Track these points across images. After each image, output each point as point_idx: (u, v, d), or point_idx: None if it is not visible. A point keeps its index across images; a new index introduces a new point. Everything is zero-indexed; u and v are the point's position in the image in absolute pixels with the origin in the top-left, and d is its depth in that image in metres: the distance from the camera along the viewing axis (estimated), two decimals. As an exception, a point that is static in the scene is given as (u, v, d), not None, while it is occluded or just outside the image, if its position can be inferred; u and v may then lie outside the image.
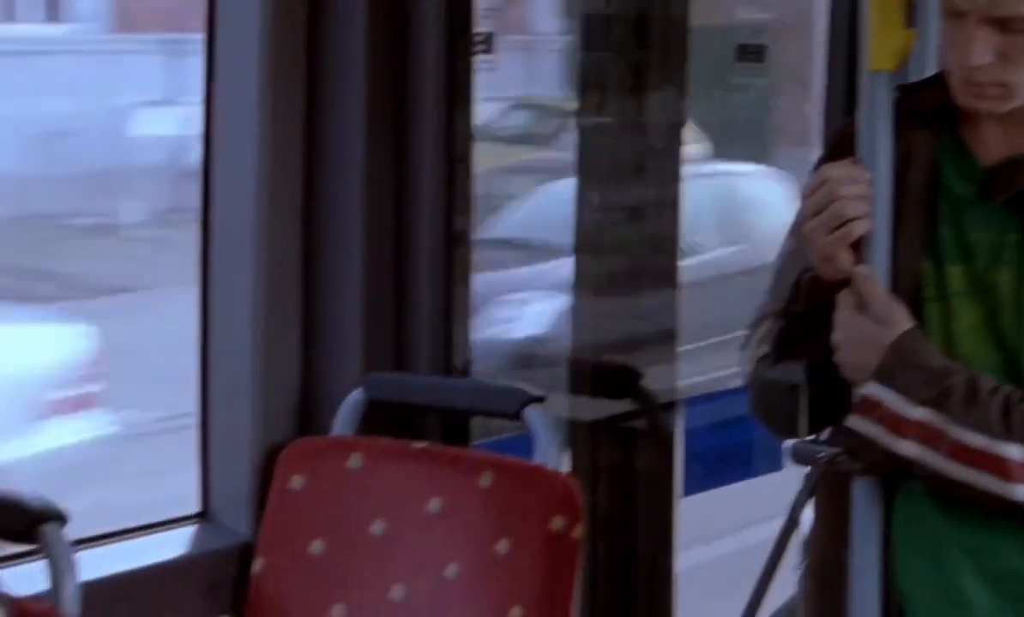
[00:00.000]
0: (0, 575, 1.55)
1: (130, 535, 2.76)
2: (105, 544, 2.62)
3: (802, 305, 1.90)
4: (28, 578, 1.93)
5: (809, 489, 2.59)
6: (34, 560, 1.94)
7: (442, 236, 2.86)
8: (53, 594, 1.80)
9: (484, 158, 3.06)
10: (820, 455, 1.89)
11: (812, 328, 1.86)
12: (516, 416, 2.65)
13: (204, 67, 2.78)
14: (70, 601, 1.79)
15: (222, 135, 2.76)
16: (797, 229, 1.95)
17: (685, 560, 3.61)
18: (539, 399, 2.65)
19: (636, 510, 3.42)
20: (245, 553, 2.73)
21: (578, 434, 3.37)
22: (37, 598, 1.80)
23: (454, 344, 2.90)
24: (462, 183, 2.90)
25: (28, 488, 1.81)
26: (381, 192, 2.82)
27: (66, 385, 5.03)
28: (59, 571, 1.79)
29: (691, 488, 3.53)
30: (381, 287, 2.83)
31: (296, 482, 2.71)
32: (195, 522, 2.84)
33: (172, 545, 2.76)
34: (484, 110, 3.08)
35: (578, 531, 2.53)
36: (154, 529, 2.81)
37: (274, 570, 2.69)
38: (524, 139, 7.01)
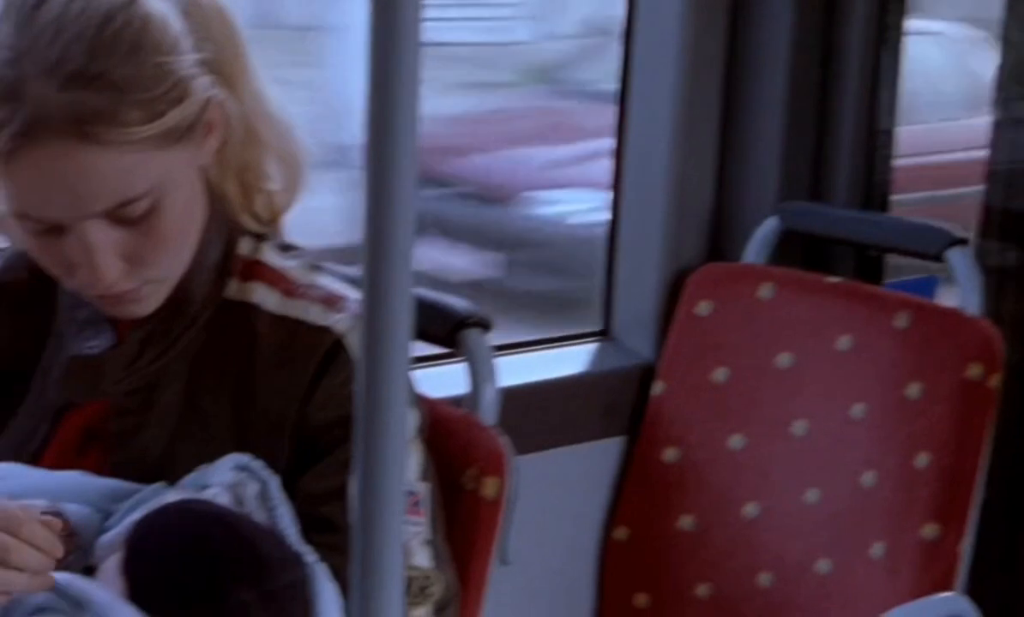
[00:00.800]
0: (418, 377, 1.54)
1: (534, 347, 2.77)
2: (510, 354, 2.64)
3: None
4: (445, 381, 1.95)
5: None
6: (451, 363, 1.96)
7: (869, 73, 2.74)
8: (471, 399, 1.80)
9: None
10: None
11: None
12: (937, 257, 2.54)
13: None
14: (488, 407, 1.78)
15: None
16: None
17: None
18: (963, 241, 2.53)
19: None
20: (645, 375, 2.71)
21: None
22: (454, 401, 1.81)
23: (873, 179, 2.79)
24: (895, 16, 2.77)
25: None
26: (807, 8, 2.71)
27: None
28: (479, 376, 1.78)
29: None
30: (802, 114, 2.73)
31: (703, 307, 2.66)
32: (597, 339, 2.84)
33: (575, 361, 2.76)
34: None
35: (995, 380, 2.41)
36: (558, 343, 2.81)
37: (674, 394, 2.67)
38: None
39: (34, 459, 1.54)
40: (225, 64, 1.51)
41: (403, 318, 0.83)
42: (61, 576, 1.33)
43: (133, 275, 1.48)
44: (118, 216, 1.44)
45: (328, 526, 1.48)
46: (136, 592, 1.32)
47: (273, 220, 1.63)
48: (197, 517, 1.37)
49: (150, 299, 1.53)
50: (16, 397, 1.59)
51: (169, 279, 1.53)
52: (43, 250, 1.48)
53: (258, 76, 1.58)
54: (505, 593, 1.79)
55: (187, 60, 1.45)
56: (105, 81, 1.39)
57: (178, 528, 1.36)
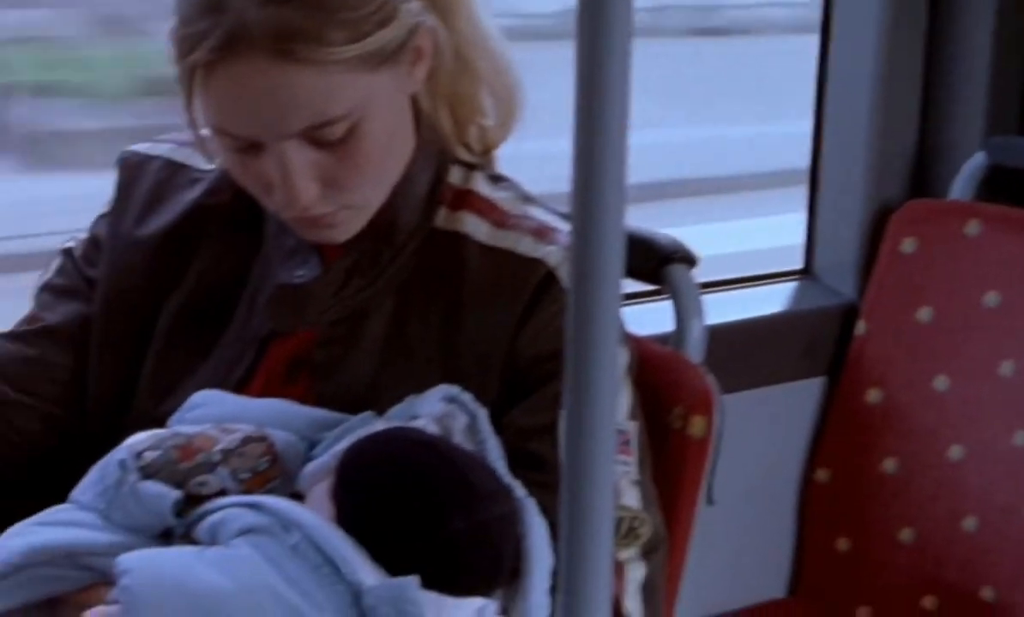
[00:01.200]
0: (624, 313, 1.52)
1: (733, 286, 2.74)
2: (709, 292, 2.61)
3: None
4: (651, 318, 1.93)
5: None
6: (657, 300, 1.94)
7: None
8: (676, 336, 1.77)
9: None
10: None
11: None
12: None
13: None
14: (695, 344, 1.76)
15: None
16: None
17: None
18: None
19: None
20: (848, 314, 2.66)
21: None
22: (660, 338, 1.79)
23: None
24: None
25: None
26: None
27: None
28: (685, 313, 1.75)
29: None
30: (1011, 45, 2.65)
31: (907, 245, 2.60)
32: (798, 278, 2.80)
33: (776, 300, 2.72)
34: None
35: None
36: (758, 282, 2.78)
37: (877, 334, 2.61)
38: None
39: (239, 387, 1.54)
40: None
41: (615, 253, 0.81)
42: (269, 498, 1.34)
43: (329, 199, 1.46)
44: (315, 137, 1.42)
45: (537, 462, 1.46)
46: (345, 518, 1.32)
47: (485, 153, 1.62)
48: (409, 445, 1.36)
49: (347, 225, 1.51)
50: (221, 322, 1.59)
51: (368, 206, 1.51)
52: (242, 169, 1.47)
53: (476, 6, 1.55)
54: (705, 533, 1.77)
55: None
56: None
57: (389, 455, 1.35)
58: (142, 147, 1.68)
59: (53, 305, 1.65)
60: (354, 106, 1.42)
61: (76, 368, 1.63)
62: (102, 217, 1.67)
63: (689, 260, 1.77)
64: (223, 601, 1.23)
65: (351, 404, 1.47)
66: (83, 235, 1.68)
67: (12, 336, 1.65)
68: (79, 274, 1.65)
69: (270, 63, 1.37)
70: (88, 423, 1.62)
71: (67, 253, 1.67)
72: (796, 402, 2.66)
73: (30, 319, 1.66)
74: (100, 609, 1.28)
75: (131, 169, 1.66)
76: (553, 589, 1.35)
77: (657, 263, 1.77)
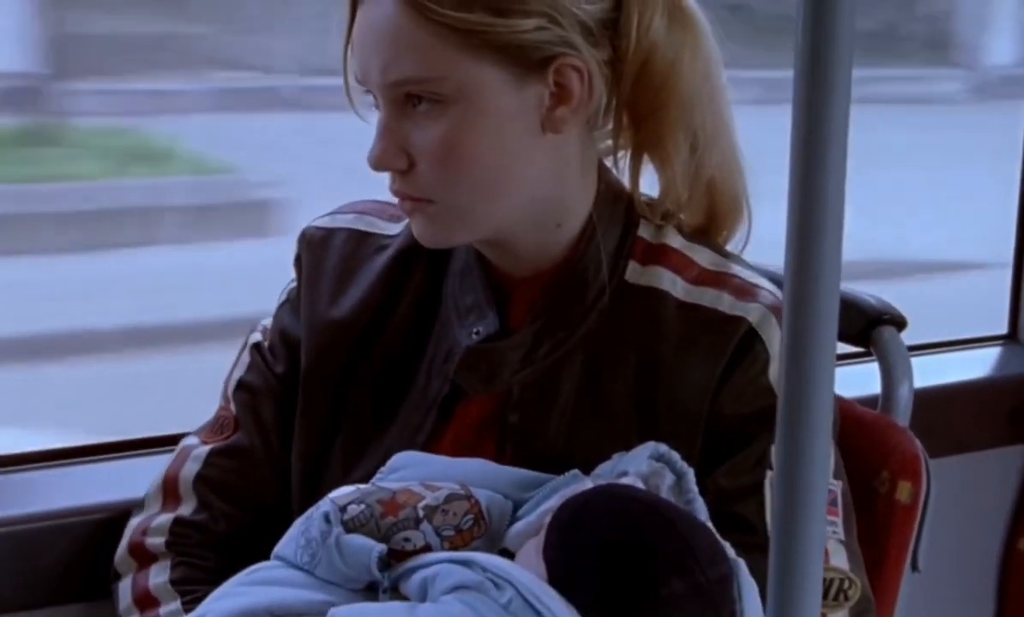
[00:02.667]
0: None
1: (935, 349, 2.68)
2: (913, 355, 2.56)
3: None
4: (852, 380, 1.89)
5: None
6: (857, 362, 1.90)
7: None
8: (883, 398, 1.74)
9: None
10: None
11: None
12: None
13: None
14: (903, 407, 1.72)
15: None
16: None
17: None
18: None
19: None
20: (1055, 379, 2.59)
21: None
22: (862, 401, 1.76)
23: None
24: None
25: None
26: None
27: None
28: (894, 375, 1.71)
29: None
30: None
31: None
32: (1002, 343, 2.73)
33: (979, 364, 2.65)
34: None
35: None
36: (960, 346, 2.71)
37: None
38: None
39: (426, 450, 1.53)
40: (628, 53, 1.47)
41: (830, 315, 0.80)
42: (481, 555, 1.33)
43: (413, 183, 1.46)
44: (411, 110, 1.43)
45: (742, 524, 1.44)
46: (558, 576, 1.30)
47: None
48: (627, 503, 1.33)
49: (436, 225, 1.49)
50: (404, 387, 1.58)
51: (463, 216, 1.48)
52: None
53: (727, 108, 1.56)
54: (905, 601, 1.73)
55: (563, 8, 1.42)
56: None
57: (606, 514, 1.32)
58: (322, 222, 1.67)
59: (254, 407, 1.65)
60: (452, 84, 1.41)
61: (280, 480, 1.63)
62: (285, 304, 1.67)
63: (899, 322, 1.73)
64: None
65: (546, 465, 1.45)
66: (268, 326, 1.68)
67: (218, 452, 1.66)
68: (270, 371, 1.66)
69: (397, 8, 1.40)
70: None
71: (256, 348, 1.67)
72: (999, 468, 2.59)
73: (231, 423, 1.66)
74: None
75: (315, 247, 1.65)
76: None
77: (865, 325, 1.73)
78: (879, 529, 1.64)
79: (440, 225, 1.49)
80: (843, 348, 1.85)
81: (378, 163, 1.46)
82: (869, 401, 1.77)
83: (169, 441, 1.80)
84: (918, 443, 1.66)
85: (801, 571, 0.83)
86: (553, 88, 1.44)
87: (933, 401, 2.40)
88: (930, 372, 2.49)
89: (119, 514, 1.71)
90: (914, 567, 1.66)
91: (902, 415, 1.74)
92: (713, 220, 1.59)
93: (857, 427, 1.66)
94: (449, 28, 1.39)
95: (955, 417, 2.50)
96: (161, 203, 4.70)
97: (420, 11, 1.39)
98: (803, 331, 0.80)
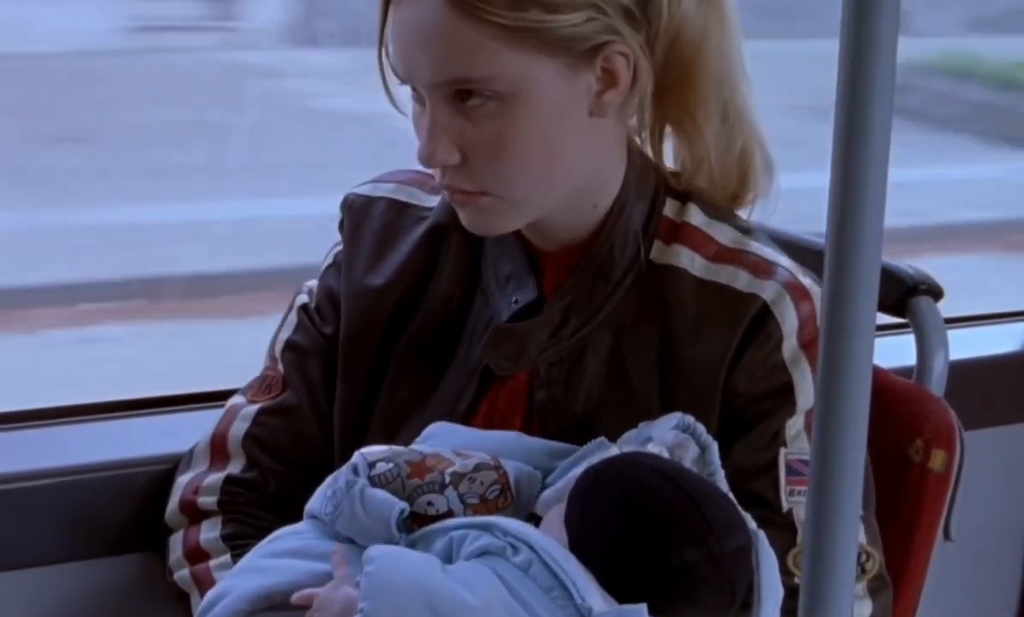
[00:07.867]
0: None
1: (970, 322, 2.66)
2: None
3: None
4: (889, 350, 1.87)
5: None
6: (900, 333, 1.88)
7: None
8: (919, 368, 1.72)
9: None
10: None
11: None
12: None
13: None
14: (938, 378, 1.69)
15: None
16: None
17: None
18: None
19: None
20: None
21: None
22: (898, 371, 1.74)
23: None
24: None
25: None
26: None
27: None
28: (929, 345, 1.69)
29: None
30: None
31: None
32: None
33: (1015, 338, 2.63)
34: None
35: None
36: (998, 319, 2.69)
37: None
38: None
39: (465, 420, 1.52)
40: (664, 35, 1.47)
41: (870, 284, 0.79)
42: (502, 519, 1.32)
43: (467, 176, 1.44)
44: (464, 102, 1.41)
45: (758, 501, 1.43)
46: (577, 542, 1.30)
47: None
48: (643, 471, 1.31)
49: (491, 216, 1.48)
50: (446, 356, 1.58)
51: (517, 205, 1.47)
52: (416, 121, 1.46)
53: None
54: (936, 569, 1.71)
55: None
56: None
57: (623, 480, 1.31)
58: (364, 189, 1.66)
59: (301, 366, 1.65)
60: (507, 83, 1.40)
61: (327, 439, 1.63)
62: (331, 267, 1.66)
63: (935, 292, 1.71)
64: (463, 614, 1.23)
65: (573, 440, 1.44)
66: (315, 287, 1.67)
67: (267, 411, 1.66)
68: (318, 332, 1.65)
69: (438, 7, 1.37)
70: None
71: (304, 309, 1.67)
72: (1031, 442, 2.57)
73: (279, 382, 1.66)
74: (345, 590, 1.28)
75: (356, 213, 1.64)
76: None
77: (903, 294, 1.71)
78: (912, 497, 1.62)
79: (494, 215, 1.48)
80: (879, 318, 1.84)
81: (430, 160, 1.44)
82: (904, 372, 1.75)
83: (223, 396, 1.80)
84: (952, 413, 1.63)
85: (836, 538, 0.83)
86: (601, 74, 1.44)
87: (967, 373, 2.38)
88: (965, 344, 2.47)
89: (177, 466, 1.71)
90: (946, 536, 1.65)
91: (937, 385, 1.71)
92: (745, 184, 1.57)
93: (892, 396, 1.64)
94: (502, 27, 1.37)
95: (989, 389, 2.48)
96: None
97: (470, 12, 1.37)
98: (843, 300, 0.79)
